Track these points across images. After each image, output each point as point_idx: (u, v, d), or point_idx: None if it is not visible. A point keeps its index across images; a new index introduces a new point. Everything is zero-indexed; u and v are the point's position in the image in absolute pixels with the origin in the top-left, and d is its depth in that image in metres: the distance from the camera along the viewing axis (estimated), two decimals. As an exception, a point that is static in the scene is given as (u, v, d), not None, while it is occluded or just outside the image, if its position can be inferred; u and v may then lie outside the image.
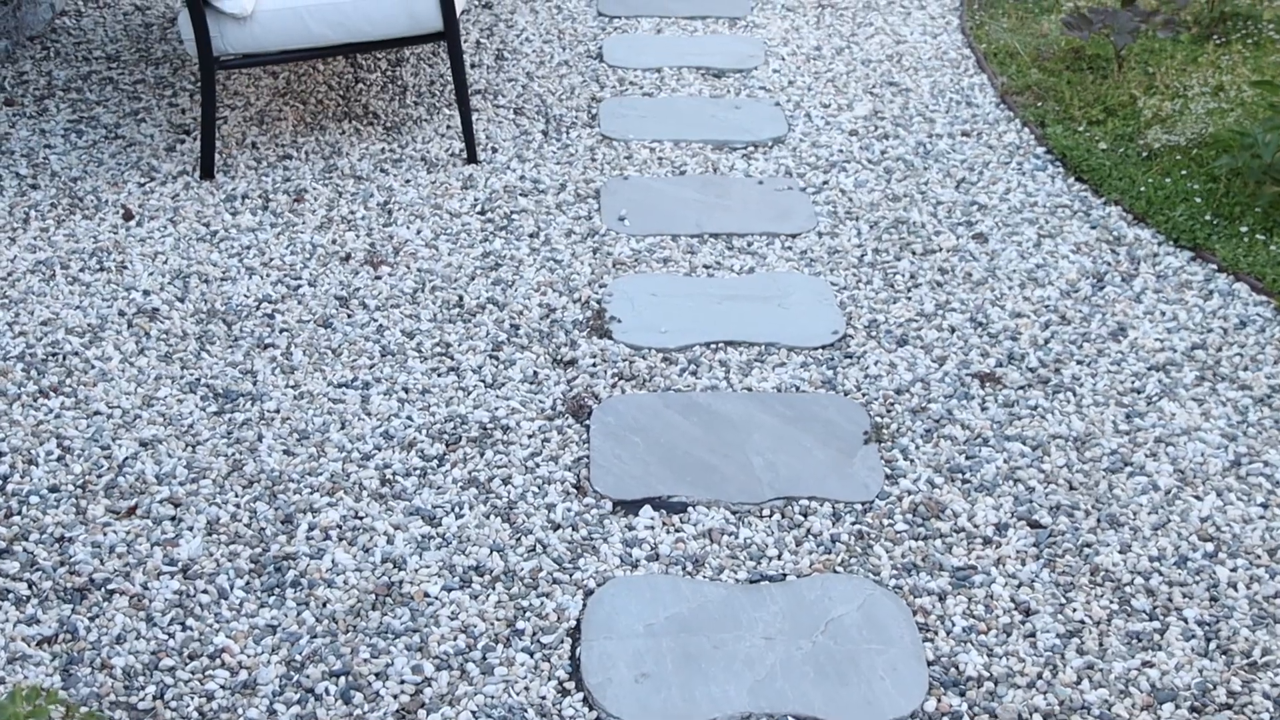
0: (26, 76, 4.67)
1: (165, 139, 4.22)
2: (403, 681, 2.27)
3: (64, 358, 3.17)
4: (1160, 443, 2.86)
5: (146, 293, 3.43)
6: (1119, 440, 2.86)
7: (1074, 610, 2.42)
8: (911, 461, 2.80)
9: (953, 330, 3.28)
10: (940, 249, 3.62)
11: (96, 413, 2.98)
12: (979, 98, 4.47)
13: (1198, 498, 2.70)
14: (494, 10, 5.15)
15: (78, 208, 3.85)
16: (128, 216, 3.79)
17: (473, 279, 3.47)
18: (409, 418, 2.93)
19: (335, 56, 4.28)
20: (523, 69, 4.66)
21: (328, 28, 3.83)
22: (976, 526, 2.62)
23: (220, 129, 4.27)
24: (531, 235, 3.66)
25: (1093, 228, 3.71)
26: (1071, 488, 2.73)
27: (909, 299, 3.40)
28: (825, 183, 3.94)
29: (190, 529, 2.61)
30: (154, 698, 2.24)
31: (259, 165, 4.05)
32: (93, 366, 3.14)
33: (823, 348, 3.20)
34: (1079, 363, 3.13)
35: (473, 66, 4.67)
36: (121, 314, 3.35)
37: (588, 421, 2.91)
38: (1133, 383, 3.06)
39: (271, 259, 3.57)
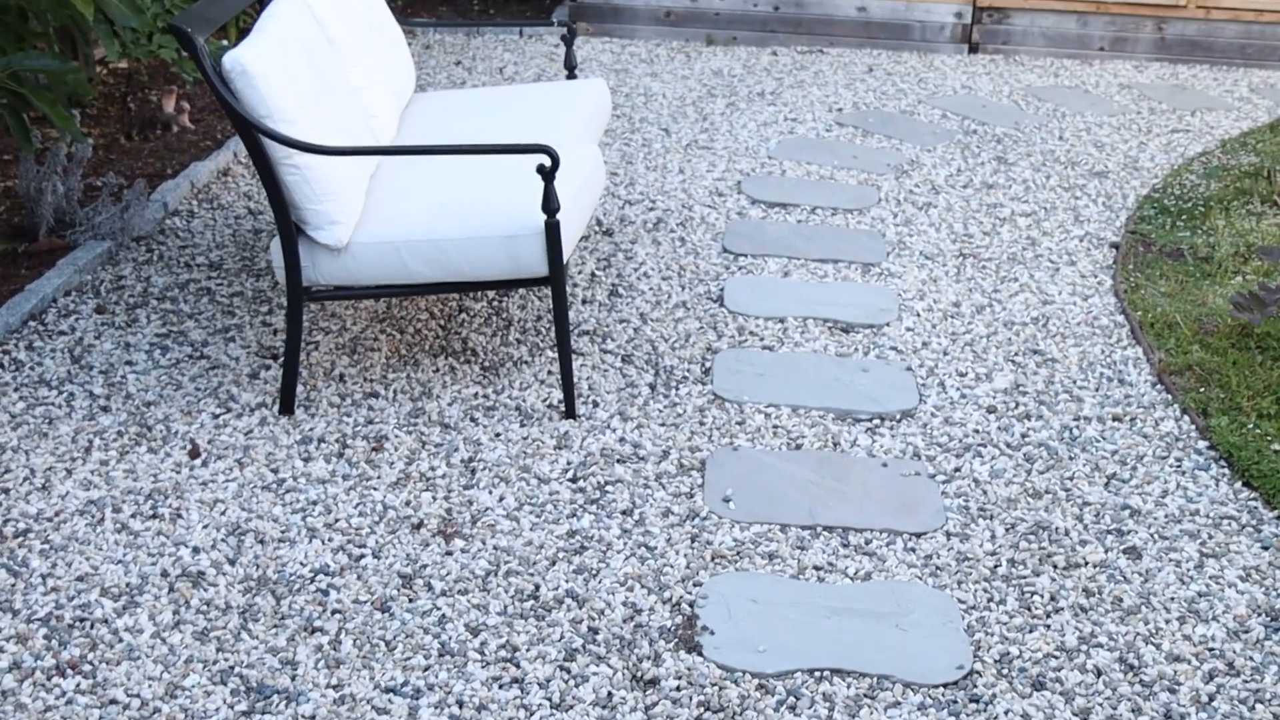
0: (124, 281, 4.49)
1: (250, 364, 3.97)
2: None
3: (92, 625, 2.86)
4: None
5: (196, 550, 3.12)
6: None
7: None
8: None
9: (1098, 674, 2.81)
10: (1086, 563, 3.16)
11: (112, 701, 2.64)
12: (1133, 375, 4.04)
13: None
14: (614, 239, 4.89)
15: (145, 438, 3.59)
16: (194, 454, 3.51)
17: (553, 563, 3.09)
18: (458, 742, 2.54)
19: (432, 295, 4.03)
20: (636, 309, 4.36)
21: (425, 265, 3.56)
22: None
23: (309, 355, 4.01)
24: (625, 513, 3.29)
25: (1264, 548, 3.23)
26: None
27: (1048, 627, 2.95)
28: (957, 470, 3.52)
29: None
30: None
31: (342, 403, 3.77)
32: (120, 639, 2.81)
33: (945, 686, 2.75)
34: (1252, 736, 2.64)
35: (584, 303, 4.38)
36: (165, 574, 3.03)
37: (662, 768, 2.49)
38: (1319, 772, 2.55)
39: (337, 519, 3.24)
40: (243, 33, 6.25)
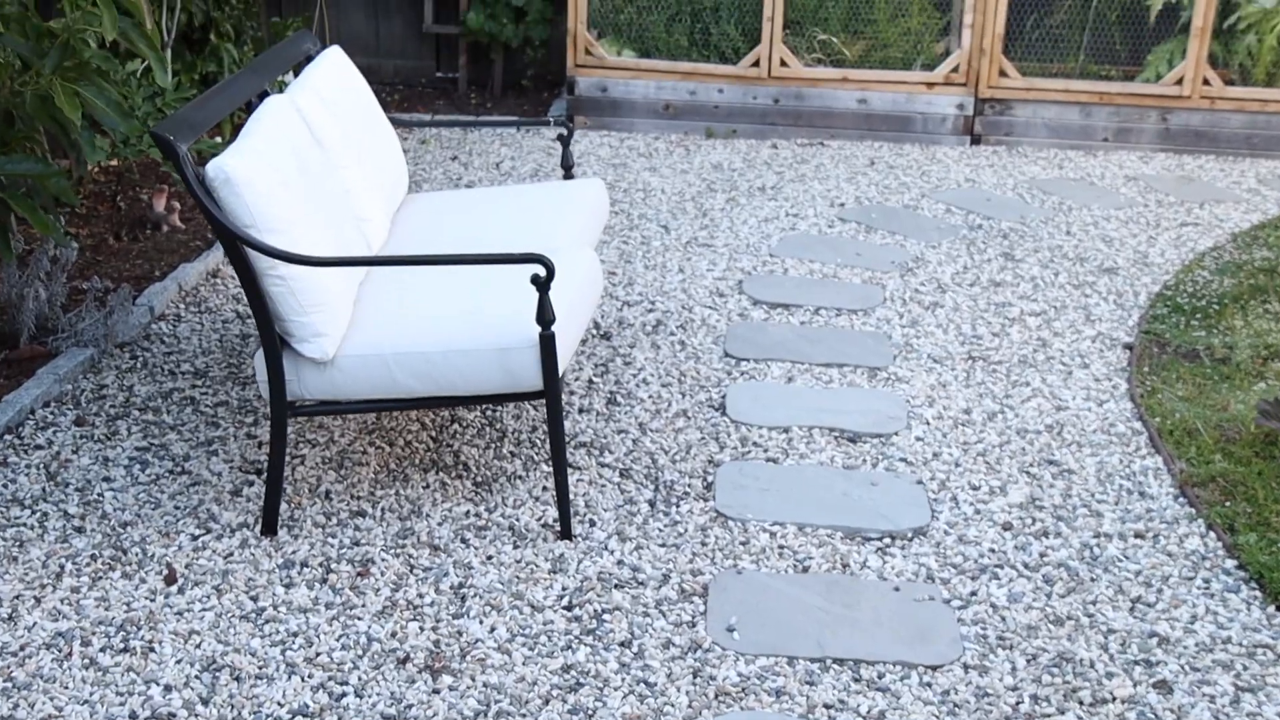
0: (106, 391, 4.34)
1: (233, 479, 3.80)
2: None
3: (53, 776, 2.67)
4: None
5: (168, 689, 2.94)
6: None
7: None
8: None
9: (1133, 825, 2.61)
10: (1114, 698, 2.98)
11: None
12: (1154, 487, 3.87)
13: None
14: (613, 342, 4.74)
15: (119, 562, 3.41)
16: (170, 580, 3.34)
17: (547, 702, 2.91)
18: None
19: (422, 409, 3.87)
20: (635, 418, 4.20)
21: (415, 379, 3.41)
22: None
23: (294, 470, 3.84)
24: (623, 644, 3.11)
25: (1302, 679, 3.04)
26: None
27: (1076, 771, 2.75)
28: (973, 594, 3.34)
29: None
30: None
31: (328, 522, 3.60)
32: (83, 793, 2.62)
33: (968, 841, 2.55)
34: None
35: (581, 412, 4.22)
36: (133, 716, 2.84)
37: None
38: None
39: (319, 653, 3.06)
40: (237, 129, 6.16)
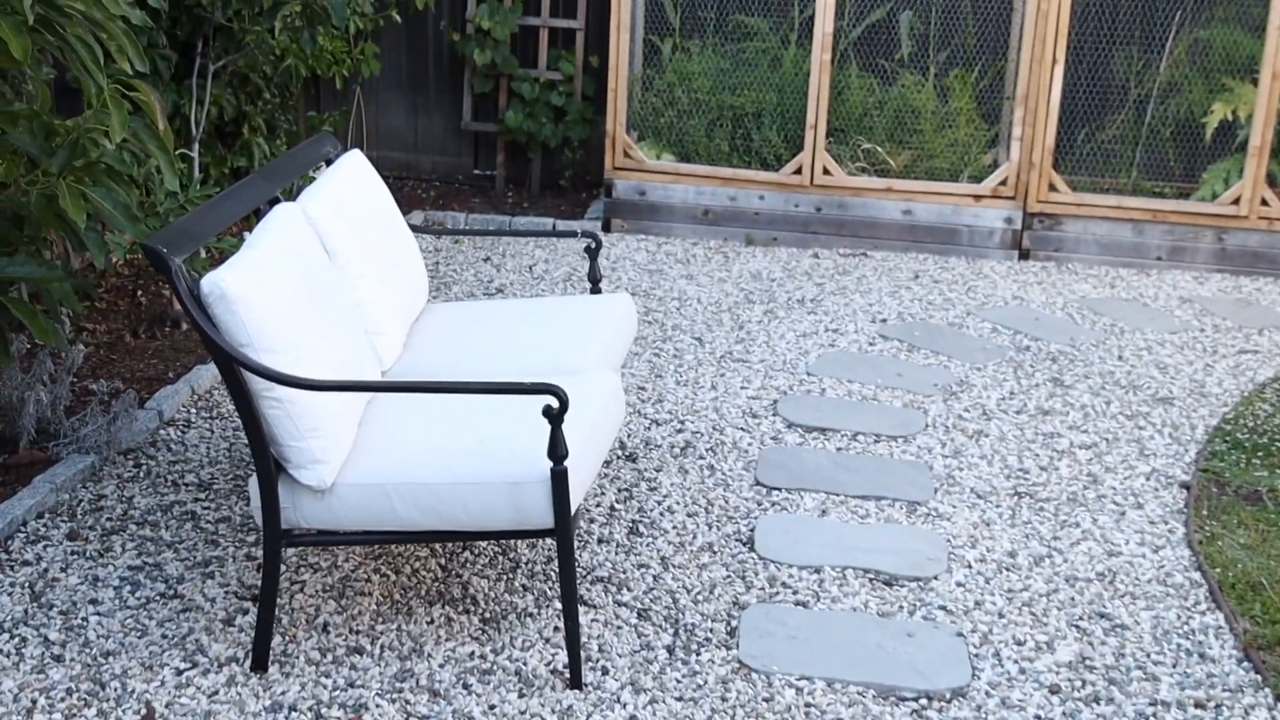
0: (104, 502, 4.14)
1: (227, 606, 3.57)
2: None
3: None
4: None
5: None
6: None
7: None
8: None
9: None
10: None
11: None
12: (1215, 647, 3.57)
13: None
14: (638, 464, 4.51)
15: (96, 698, 3.18)
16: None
17: None
18: None
19: (426, 543, 3.64)
20: (658, 551, 3.95)
21: (418, 512, 3.18)
22: None
23: (292, 598, 3.61)
24: (629, 817, 2.84)
25: None
26: None
27: None
28: (1018, 768, 3.05)
29: None
30: None
31: (323, 659, 3.35)
32: None
33: None
34: None
35: (600, 542, 3.98)
36: None
37: None
38: None
39: (297, 814, 2.80)
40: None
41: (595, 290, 4.51)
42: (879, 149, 7.27)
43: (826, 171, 7.23)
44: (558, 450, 3.07)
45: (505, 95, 8.09)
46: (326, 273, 3.53)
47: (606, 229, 7.45)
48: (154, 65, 5.85)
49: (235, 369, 3.04)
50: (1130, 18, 7.13)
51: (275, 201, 3.75)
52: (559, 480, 3.09)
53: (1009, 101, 7.23)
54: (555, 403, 3.03)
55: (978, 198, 7.20)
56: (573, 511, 3.15)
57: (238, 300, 3.01)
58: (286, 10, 5.65)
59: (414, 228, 4.56)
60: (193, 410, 4.84)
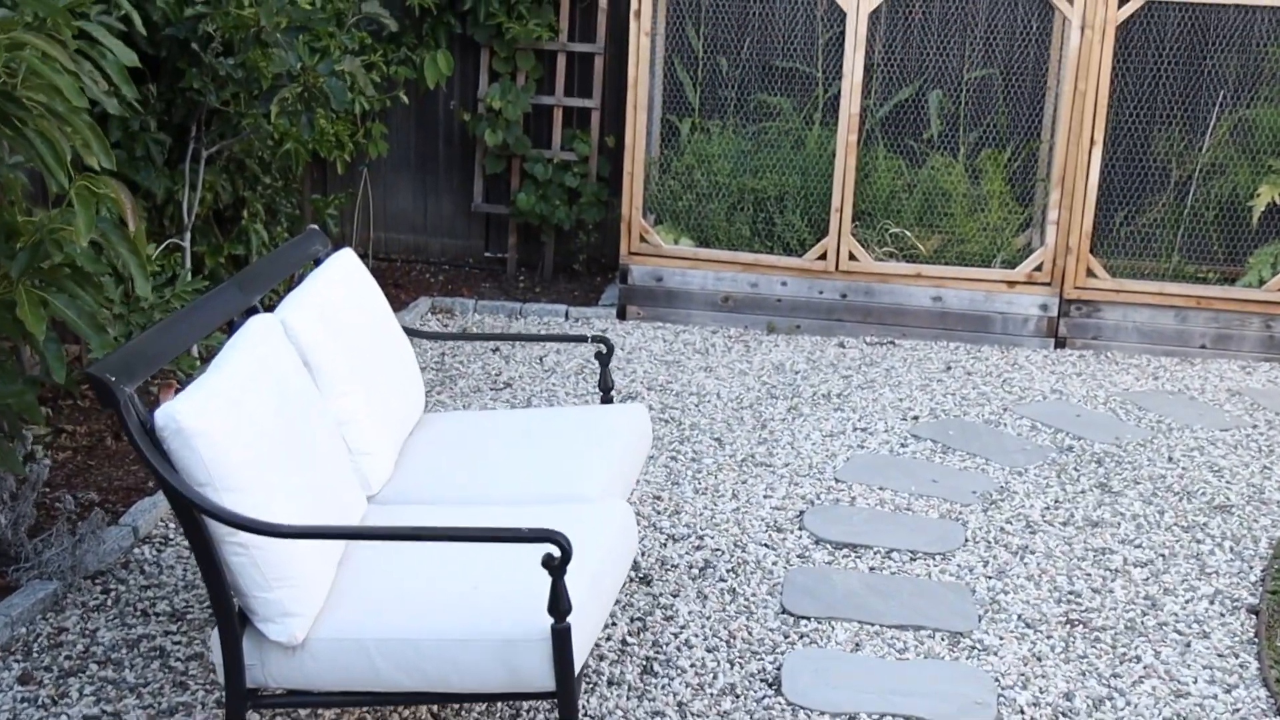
0: (65, 636, 3.77)
1: (190, 765, 3.19)
2: None
3: None
4: None
5: None
6: None
7: None
8: None
9: None
10: None
11: None
12: (1304, 813, 3.15)
13: None
14: (653, 589, 4.12)
15: None
16: None
17: None
18: None
19: (412, 705, 3.25)
20: (674, 694, 3.56)
21: (402, 672, 2.80)
22: None
23: (264, 756, 3.22)
24: None
25: None
26: None
27: None
28: None
29: None
30: None
31: (293, 833, 2.96)
32: None
33: None
34: None
35: (610, 684, 3.59)
36: None
37: None
38: None
39: None
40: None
41: (606, 399, 4.15)
42: (907, 233, 6.93)
43: (852, 257, 6.89)
44: (559, 605, 2.70)
45: (517, 176, 7.79)
46: (306, 392, 3.18)
47: (622, 316, 7.11)
48: (147, 150, 5.55)
49: (194, 513, 2.67)
50: (1171, 97, 6.79)
51: (253, 311, 3.40)
52: (560, 639, 2.71)
53: (1043, 183, 6.90)
54: (557, 552, 2.66)
55: (1011, 284, 6.84)
56: (577, 670, 2.77)
57: (196, 435, 2.66)
58: (284, 93, 5.35)
59: (410, 331, 4.21)
60: (170, 526, 4.49)
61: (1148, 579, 4.32)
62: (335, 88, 5.31)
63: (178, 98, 5.66)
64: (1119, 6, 6.49)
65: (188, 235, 5.71)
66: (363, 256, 8.06)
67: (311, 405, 3.17)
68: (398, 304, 7.25)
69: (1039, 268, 6.82)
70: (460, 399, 5.82)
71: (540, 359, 6.45)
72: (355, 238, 8.08)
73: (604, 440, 3.73)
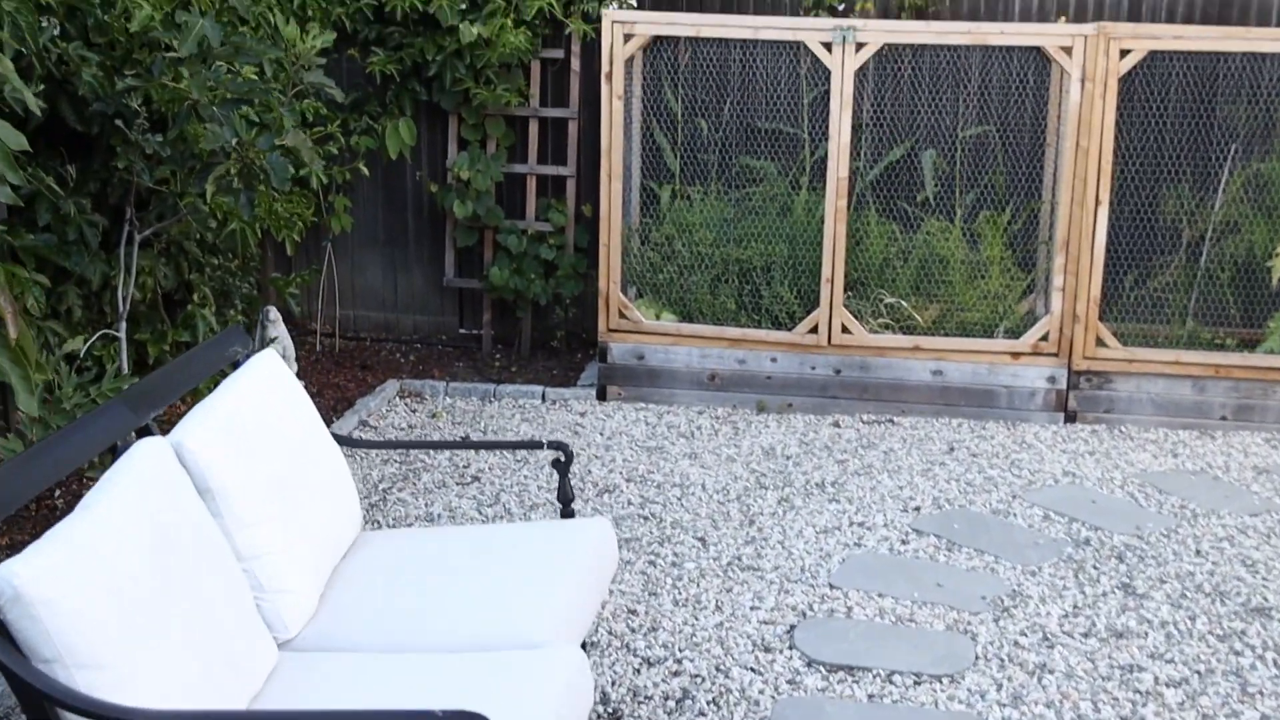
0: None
1: None
2: None
3: None
4: None
5: None
6: None
7: None
8: None
9: None
10: None
11: None
12: None
13: None
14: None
15: None
16: None
17: None
18: None
19: None
20: None
21: None
22: None
23: None
24: None
25: None
26: None
27: None
28: None
29: None
30: None
31: None
32: None
33: None
34: None
35: None
36: None
37: None
38: None
39: None
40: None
41: (567, 513, 3.68)
42: (903, 303, 6.49)
43: (845, 329, 6.44)
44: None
45: (491, 248, 7.36)
46: (201, 529, 2.71)
47: (602, 397, 6.65)
48: (80, 233, 5.12)
49: (39, 700, 2.20)
50: (1179, 152, 6.37)
51: (146, 433, 2.94)
52: None
53: (1046, 246, 6.46)
54: (480, 739, 2.18)
55: (1016, 355, 6.39)
56: None
57: (39, 603, 2.19)
58: (219, 171, 4.91)
59: (343, 440, 3.75)
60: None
61: (1183, 702, 3.83)
62: (276, 164, 4.88)
63: (112, 177, 5.24)
64: (1121, 58, 6.08)
65: (123, 325, 5.25)
66: (329, 335, 7.62)
67: (206, 545, 2.71)
68: (364, 387, 6.80)
69: (1045, 337, 6.37)
70: (423, 496, 5.34)
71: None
72: (321, 316, 7.64)
73: (561, 566, 3.26)
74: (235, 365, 3.48)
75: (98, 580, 2.32)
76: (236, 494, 2.96)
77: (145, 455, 2.70)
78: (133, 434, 2.88)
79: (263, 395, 3.29)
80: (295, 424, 3.36)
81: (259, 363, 3.41)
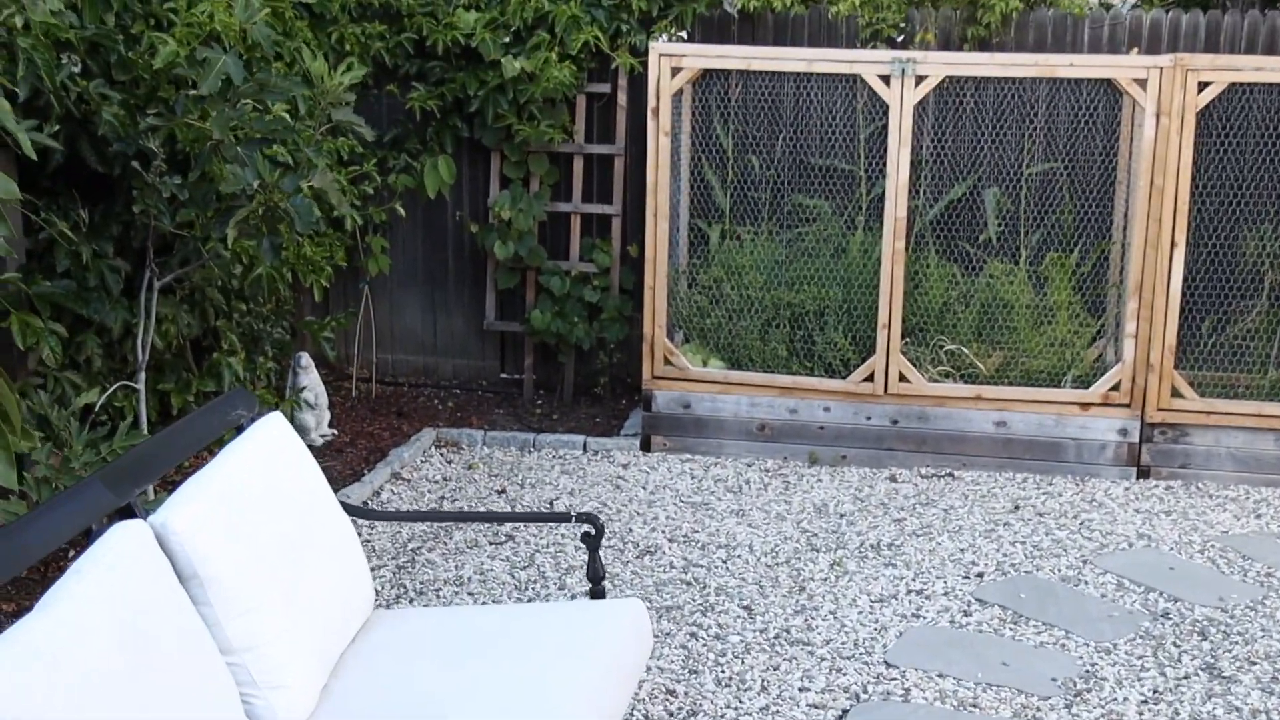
0: None
1: None
2: None
3: None
4: None
5: None
6: None
7: None
8: None
9: None
10: None
11: None
12: None
13: None
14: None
15: None
16: None
17: None
18: None
19: None
20: None
21: None
22: None
23: None
24: None
25: None
26: None
27: None
28: None
29: None
30: None
31: None
32: None
33: None
34: None
35: None
36: None
37: None
38: None
39: None
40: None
41: (596, 592, 3.37)
42: (964, 350, 6.13)
43: (903, 378, 6.09)
44: None
45: (533, 290, 7.08)
46: (181, 626, 2.42)
47: (646, 448, 6.34)
48: (101, 279, 4.89)
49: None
50: (1261, 190, 5.99)
51: (128, 512, 2.66)
52: None
53: (1117, 290, 6.09)
54: None
55: (1085, 405, 6.02)
56: None
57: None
58: (240, 214, 4.66)
59: (353, 510, 3.46)
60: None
61: (1279, 804, 3.45)
62: (301, 207, 4.62)
63: (134, 220, 5.01)
64: (1199, 90, 5.72)
65: (142, 375, 5.01)
66: (366, 380, 7.37)
67: (184, 644, 2.42)
68: (399, 436, 6.54)
69: (1116, 387, 5.99)
70: (453, 557, 5.05)
71: (551, 503, 5.69)
72: (358, 360, 7.39)
73: (587, 657, 2.95)
74: (240, 429, 3.20)
75: (48, 697, 2.03)
76: (229, 579, 2.68)
77: (118, 544, 2.42)
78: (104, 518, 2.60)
79: (265, 464, 3.01)
80: (301, 496, 3.08)
81: (262, 428, 3.13)
